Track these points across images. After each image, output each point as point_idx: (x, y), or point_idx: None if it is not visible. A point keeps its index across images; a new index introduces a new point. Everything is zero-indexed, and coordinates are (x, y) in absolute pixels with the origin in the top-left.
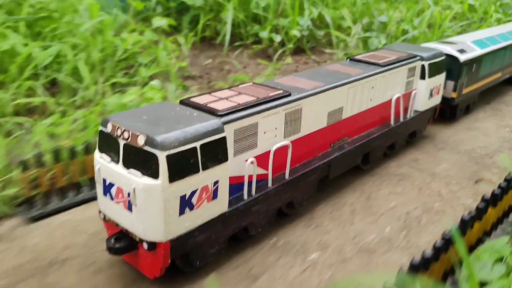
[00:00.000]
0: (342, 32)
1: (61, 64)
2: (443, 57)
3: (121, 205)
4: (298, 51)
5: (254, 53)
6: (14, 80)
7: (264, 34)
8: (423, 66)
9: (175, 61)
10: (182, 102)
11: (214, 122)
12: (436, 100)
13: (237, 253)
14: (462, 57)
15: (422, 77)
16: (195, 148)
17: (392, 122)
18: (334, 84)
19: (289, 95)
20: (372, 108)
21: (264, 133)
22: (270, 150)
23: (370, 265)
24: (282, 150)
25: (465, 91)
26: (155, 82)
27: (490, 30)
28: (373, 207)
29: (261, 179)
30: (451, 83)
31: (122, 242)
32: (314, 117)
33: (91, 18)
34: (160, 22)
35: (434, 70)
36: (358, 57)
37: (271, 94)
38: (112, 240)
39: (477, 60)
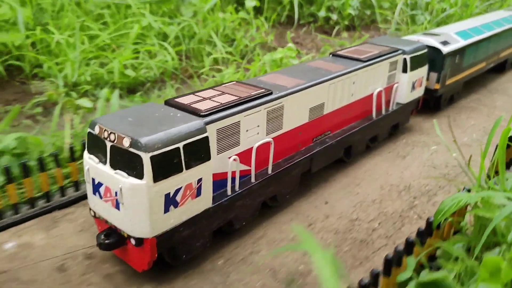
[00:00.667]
0: (385, 11)
1: (184, 37)
2: (425, 50)
3: (109, 204)
4: (349, 28)
5: (312, 30)
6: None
7: (322, 14)
8: (405, 59)
9: (265, 35)
10: (167, 103)
11: (196, 122)
12: (419, 92)
13: (380, 145)
14: (445, 49)
15: (404, 70)
16: (178, 148)
17: (374, 115)
18: (315, 81)
19: (271, 93)
20: (354, 102)
21: (247, 131)
22: (252, 147)
23: (470, 152)
24: (264, 147)
25: (448, 82)
26: (291, 45)
27: (474, 20)
28: (460, 125)
29: (245, 175)
30: (434, 75)
31: (111, 238)
32: (295, 114)
33: (203, 1)
34: (251, 3)
35: (416, 63)
36: (340, 52)
37: (253, 93)
38: (102, 236)
39: (460, 51)
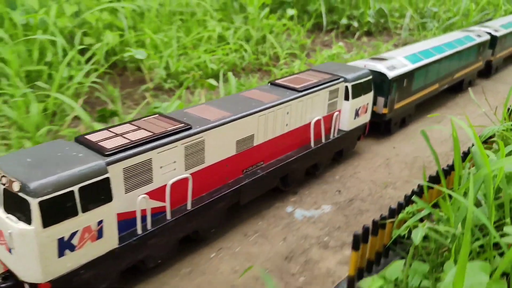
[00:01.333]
0: (397, 19)
1: (240, 39)
2: (369, 77)
3: (3, 247)
4: (366, 33)
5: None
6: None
7: (343, 21)
8: (346, 87)
9: (303, 39)
10: (77, 140)
11: (96, 163)
12: (364, 119)
13: (417, 117)
14: (391, 74)
15: (346, 98)
16: (72, 192)
17: (312, 144)
18: (241, 114)
19: (190, 128)
20: (289, 132)
21: (161, 167)
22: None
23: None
24: (183, 182)
25: (397, 106)
26: (341, 43)
27: (426, 43)
28: (471, 104)
29: (160, 212)
30: (381, 100)
31: (9, 281)
32: (220, 147)
33: (255, 9)
34: (291, 11)
35: (359, 90)
36: (278, 81)
37: (169, 129)
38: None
39: (408, 75)
